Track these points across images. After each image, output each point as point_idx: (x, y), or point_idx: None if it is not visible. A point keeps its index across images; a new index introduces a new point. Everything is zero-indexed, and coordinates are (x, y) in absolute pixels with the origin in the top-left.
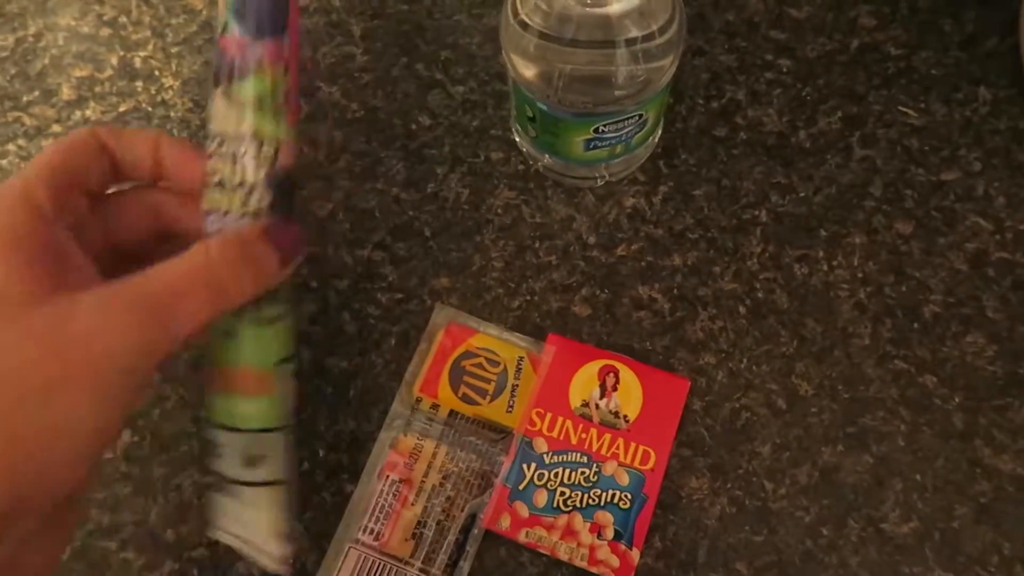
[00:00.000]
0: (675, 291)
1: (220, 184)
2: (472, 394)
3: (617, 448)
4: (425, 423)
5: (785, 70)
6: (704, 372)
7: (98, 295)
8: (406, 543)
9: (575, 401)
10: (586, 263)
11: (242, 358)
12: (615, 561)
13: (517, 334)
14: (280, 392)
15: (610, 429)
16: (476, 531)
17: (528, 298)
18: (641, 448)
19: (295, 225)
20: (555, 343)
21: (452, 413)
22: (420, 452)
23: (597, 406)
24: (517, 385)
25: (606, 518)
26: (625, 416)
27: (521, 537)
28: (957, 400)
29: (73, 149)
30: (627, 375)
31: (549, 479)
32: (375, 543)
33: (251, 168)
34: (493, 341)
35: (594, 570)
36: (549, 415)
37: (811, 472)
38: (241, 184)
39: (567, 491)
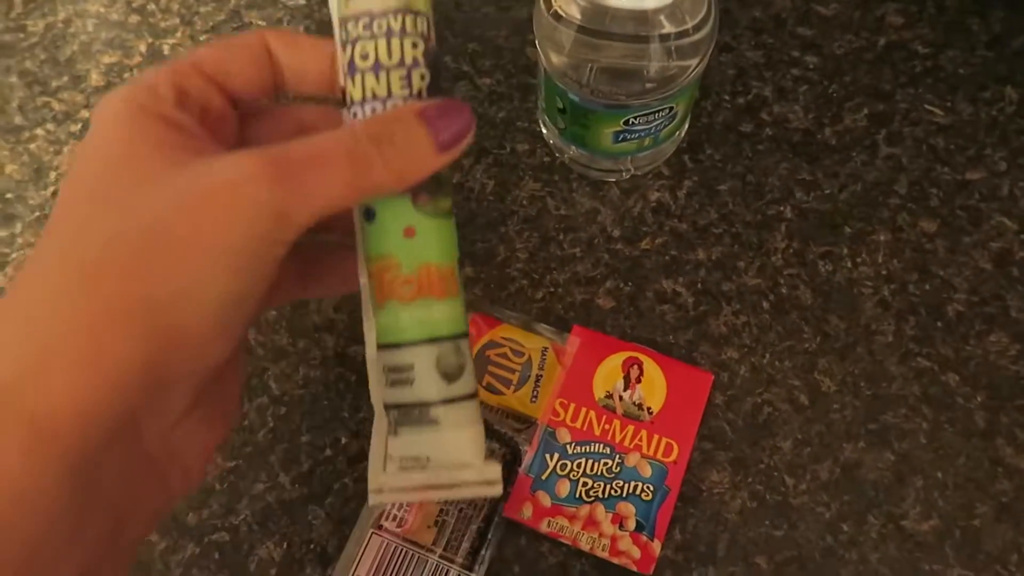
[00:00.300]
0: (699, 285)
1: (375, 67)
2: (496, 384)
3: (640, 440)
4: None
5: (811, 67)
6: (727, 367)
7: (233, 155)
8: (428, 530)
9: (599, 392)
10: (610, 256)
11: (429, 255)
12: (636, 552)
13: (542, 324)
14: (462, 292)
15: (633, 421)
16: (498, 519)
17: (552, 290)
18: (664, 440)
19: (461, 105)
20: (580, 334)
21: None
22: None
23: (621, 398)
24: (541, 375)
25: (628, 509)
26: (649, 408)
27: (543, 526)
28: (979, 399)
29: (230, 49)
30: (651, 367)
31: (572, 469)
32: (398, 529)
33: (408, 45)
34: (518, 331)
35: (615, 560)
36: (573, 406)
37: (832, 468)
38: (400, 63)
39: (589, 481)
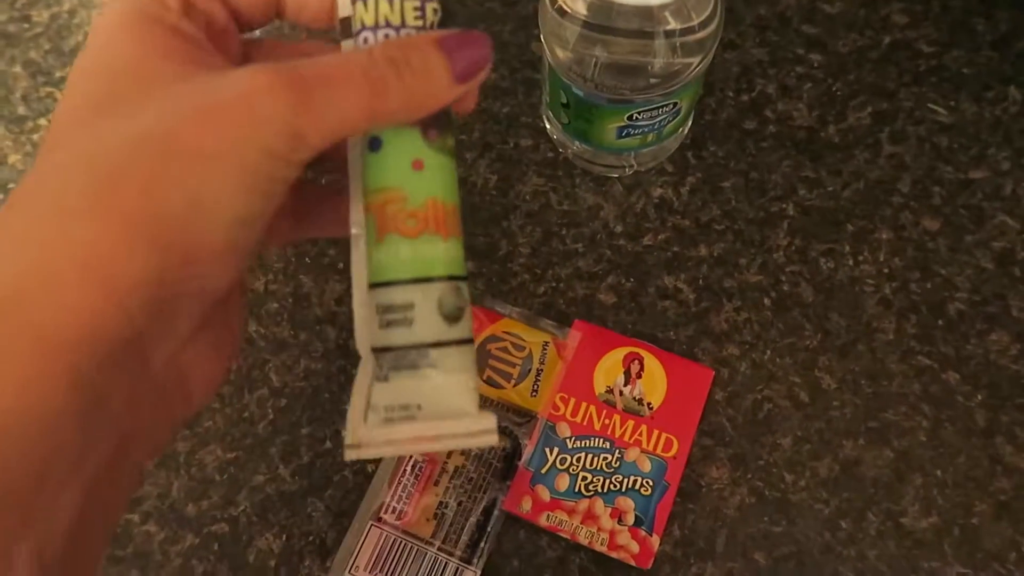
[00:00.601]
0: (700, 282)
1: None
2: (497, 377)
3: (640, 435)
4: None
5: (816, 65)
6: (727, 363)
7: (246, 69)
8: (428, 523)
9: (599, 387)
10: (612, 251)
11: (436, 190)
12: (635, 547)
13: (543, 319)
14: (461, 235)
15: (633, 416)
16: (498, 513)
17: (554, 284)
18: (664, 435)
19: (479, 35)
20: (581, 329)
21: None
22: None
23: (621, 392)
24: (542, 370)
25: (627, 504)
26: (649, 403)
27: (542, 520)
28: (980, 397)
29: None
30: (652, 363)
31: (571, 464)
32: (397, 522)
33: None
34: (519, 325)
35: (614, 555)
36: (573, 400)
37: (832, 465)
38: None
39: (589, 476)
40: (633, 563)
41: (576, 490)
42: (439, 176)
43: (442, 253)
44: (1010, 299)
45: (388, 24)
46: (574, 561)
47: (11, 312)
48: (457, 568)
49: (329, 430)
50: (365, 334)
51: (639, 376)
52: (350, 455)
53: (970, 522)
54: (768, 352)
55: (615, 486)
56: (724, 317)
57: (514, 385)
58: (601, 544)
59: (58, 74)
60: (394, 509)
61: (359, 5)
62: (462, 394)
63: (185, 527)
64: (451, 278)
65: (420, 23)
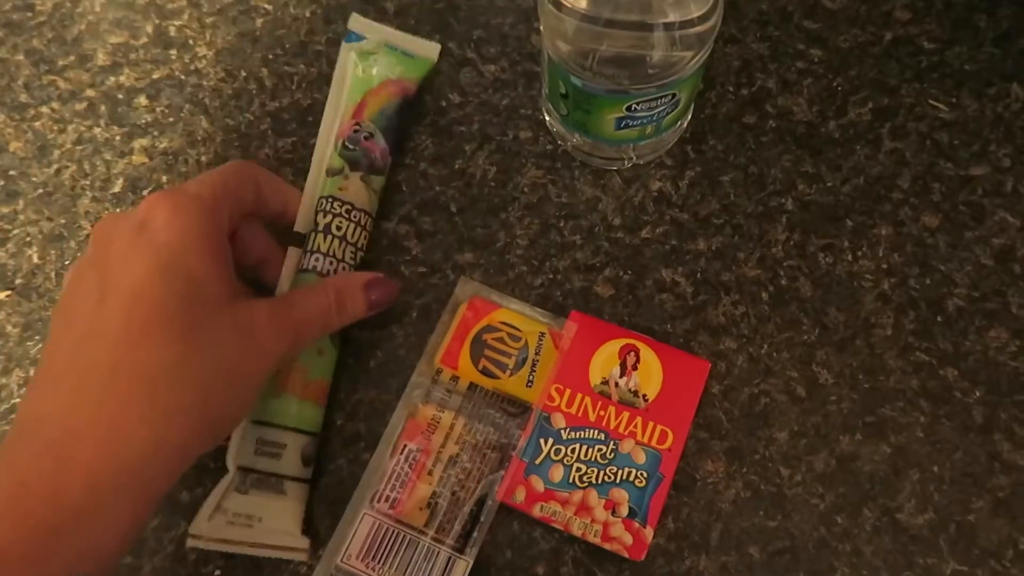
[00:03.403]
0: (698, 275)
1: (342, 239)
2: (492, 367)
3: (635, 427)
4: (444, 394)
5: (817, 60)
6: (724, 356)
7: (268, 311)
8: (421, 512)
9: (595, 378)
10: (610, 244)
11: (326, 373)
12: (628, 538)
13: (539, 310)
14: (325, 406)
15: (628, 407)
16: (491, 503)
17: (551, 276)
18: (659, 427)
19: (391, 282)
20: (577, 320)
21: (472, 386)
22: (438, 423)
23: (617, 384)
24: (537, 360)
25: (621, 495)
26: (644, 395)
27: (535, 511)
28: (978, 394)
29: (240, 176)
30: (648, 354)
31: (566, 454)
32: (390, 511)
33: (363, 235)
34: (515, 316)
35: (607, 546)
36: (568, 391)
37: (828, 460)
38: (355, 244)
39: (583, 467)
40: (626, 555)
41: (570, 481)
42: (329, 362)
43: (316, 416)
44: (1009, 296)
45: (333, 256)
46: (567, 552)
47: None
48: (449, 557)
49: (324, 419)
50: (238, 453)
51: (635, 368)
52: (190, 543)
53: (967, 519)
54: (765, 346)
55: (609, 478)
56: (722, 311)
57: (509, 375)
58: (594, 536)
59: (60, 62)
60: (387, 498)
61: (319, 236)
62: (294, 518)
63: (179, 514)
64: (314, 435)
65: (352, 262)
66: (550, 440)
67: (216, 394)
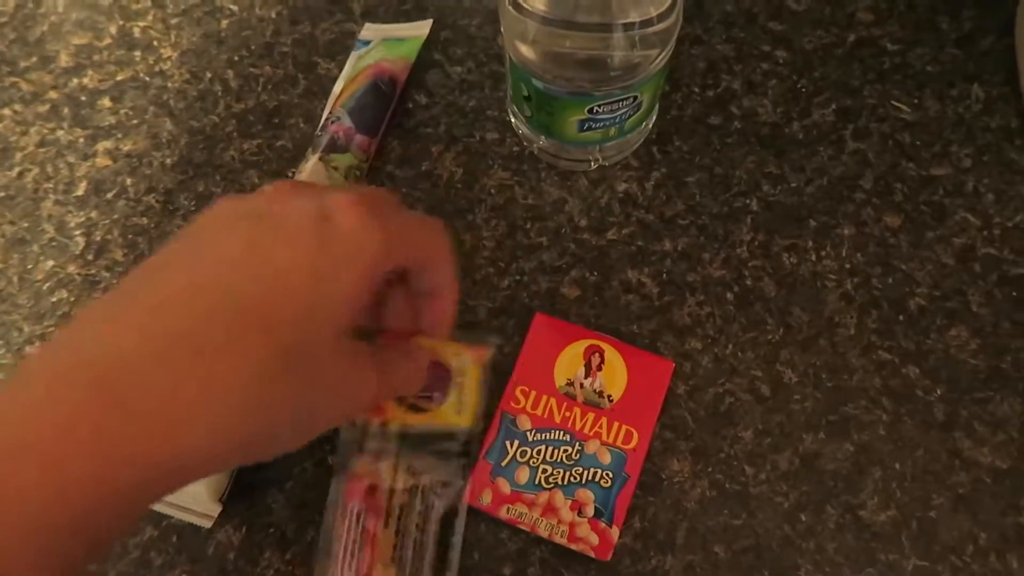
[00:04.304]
0: (664, 276)
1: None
2: (419, 402)
3: (600, 427)
4: (379, 443)
5: (781, 61)
6: (690, 357)
7: (362, 373)
8: (388, 569)
9: (560, 380)
10: (577, 245)
11: None
12: (595, 539)
13: (456, 330)
14: None
15: (594, 408)
16: (455, 539)
17: (518, 278)
18: (624, 427)
19: (447, 372)
20: (541, 322)
21: (403, 427)
22: (379, 474)
23: (582, 385)
24: (461, 382)
25: (587, 496)
26: (609, 396)
27: (502, 513)
28: (939, 392)
29: (428, 241)
30: (612, 355)
31: (531, 456)
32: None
33: None
34: (431, 343)
35: (574, 547)
36: (534, 393)
37: (792, 458)
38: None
39: (549, 468)
40: (593, 555)
41: (536, 483)
42: None
43: None
44: (970, 295)
45: None
46: (534, 553)
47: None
48: None
49: None
50: None
51: (599, 369)
52: None
53: (928, 515)
54: (730, 346)
55: (575, 478)
56: (687, 311)
57: (439, 405)
58: (561, 536)
59: (22, 64)
60: (351, 567)
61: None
62: (208, 485)
63: (144, 519)
64: None
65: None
66: (516, 442)
67: (302, 413)
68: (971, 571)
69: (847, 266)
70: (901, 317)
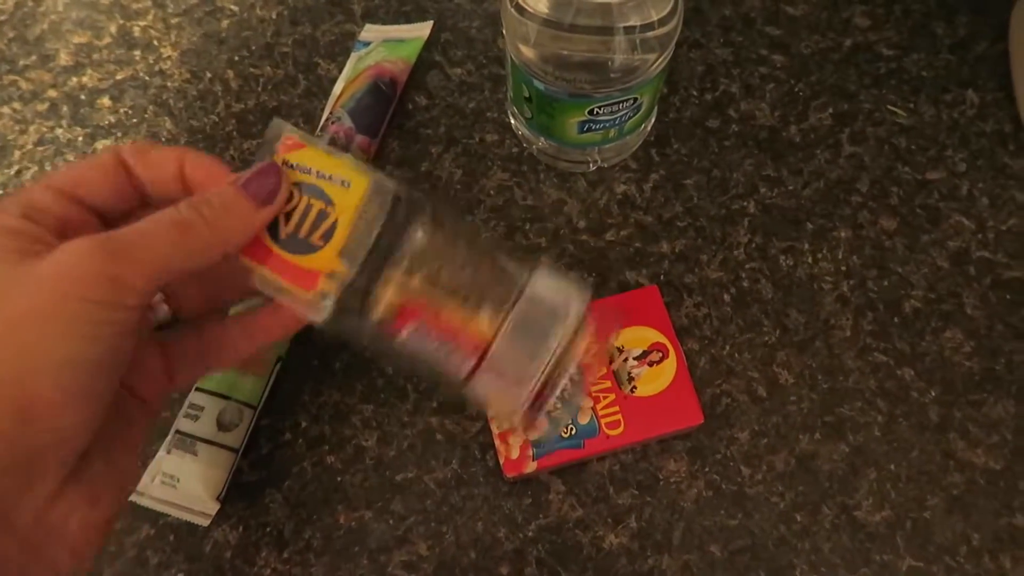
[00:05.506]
0: (662, 277)
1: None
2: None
3: (603, 399)
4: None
5: (779, 66)
6: (687, 357)
7: (71, 242)
8: None
9: (619, 340)
10: (575, 246)
11: (281, 352)
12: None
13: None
14: (267, 377)
15: (614, 381)
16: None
17: None
18: (621, 421)
19: (269, 166)
20: (653, 293)
21: None
22: None
23: (626, 359)
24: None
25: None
26: (635, 387)
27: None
28: (934, 394)
29: (81, 168)
30: (671, 365)
31: None
32: None
33: None
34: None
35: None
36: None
37: (788, 459)
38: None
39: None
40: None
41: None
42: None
43: (240, 383)
44: (964, 297)
45: None
46: (531, 552)
47: None
48: None
49: (289, 421)
50: (179, 417)
51: (651, 365)
52: (132, 498)
53: (922, 516)
54: (727, 347)
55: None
56: (684, 312)
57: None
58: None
59: (22, 62)
60: None
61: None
62: (203, 481)
63: (141, 517)
64: (240, 402)
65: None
66: None
67: None
68: (965, 571)
69: (843, 268)
70: (896, 319)
